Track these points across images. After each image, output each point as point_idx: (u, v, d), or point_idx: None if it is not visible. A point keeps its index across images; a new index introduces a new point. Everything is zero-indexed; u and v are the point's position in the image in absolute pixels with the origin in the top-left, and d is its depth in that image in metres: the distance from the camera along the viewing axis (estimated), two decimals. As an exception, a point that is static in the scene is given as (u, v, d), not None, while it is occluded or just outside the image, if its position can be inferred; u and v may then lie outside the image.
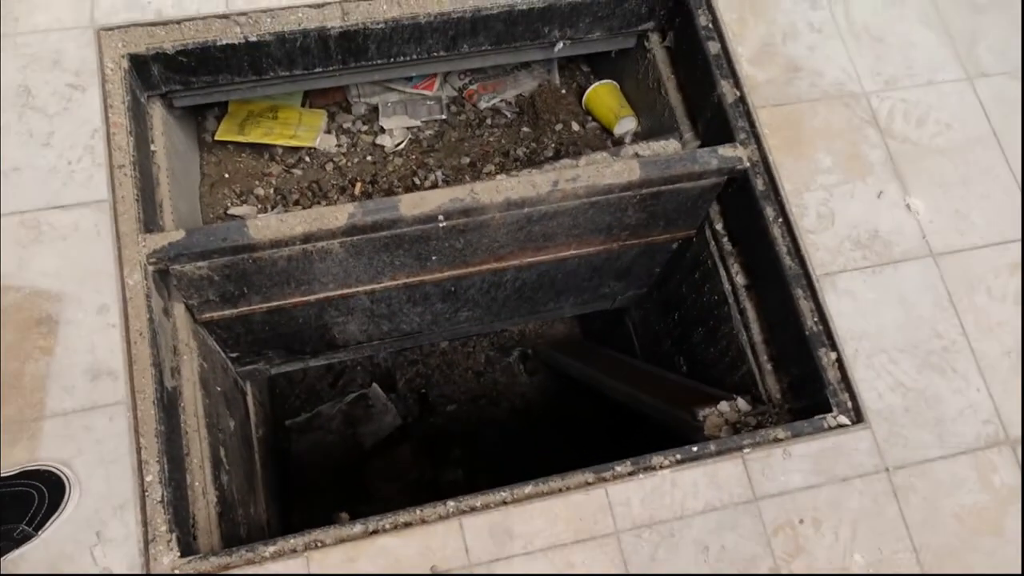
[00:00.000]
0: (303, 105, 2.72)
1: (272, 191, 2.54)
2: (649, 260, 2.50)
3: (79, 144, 1.87)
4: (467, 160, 2.59)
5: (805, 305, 1.91)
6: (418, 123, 2.68)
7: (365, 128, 2.69)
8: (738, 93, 2.09)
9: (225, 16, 2.01)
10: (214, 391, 2.16)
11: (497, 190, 1.94)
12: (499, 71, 2.78)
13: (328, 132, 2.67)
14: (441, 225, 1.97)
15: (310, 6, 2.03)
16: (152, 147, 2.10)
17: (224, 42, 2.02)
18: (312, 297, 2.15)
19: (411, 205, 1.91)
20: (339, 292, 2.17)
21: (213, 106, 2.64)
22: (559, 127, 2.62)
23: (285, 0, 2.04)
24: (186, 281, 1.94)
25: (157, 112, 2.16)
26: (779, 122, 2.05)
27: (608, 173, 1.99)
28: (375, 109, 2.71)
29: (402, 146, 2.64)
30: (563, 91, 2.72)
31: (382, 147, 2.65)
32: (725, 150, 2.04)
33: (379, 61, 2.20)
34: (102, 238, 1.80)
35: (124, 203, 1.85)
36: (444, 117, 2.71)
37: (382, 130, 2.67)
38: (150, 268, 1.83)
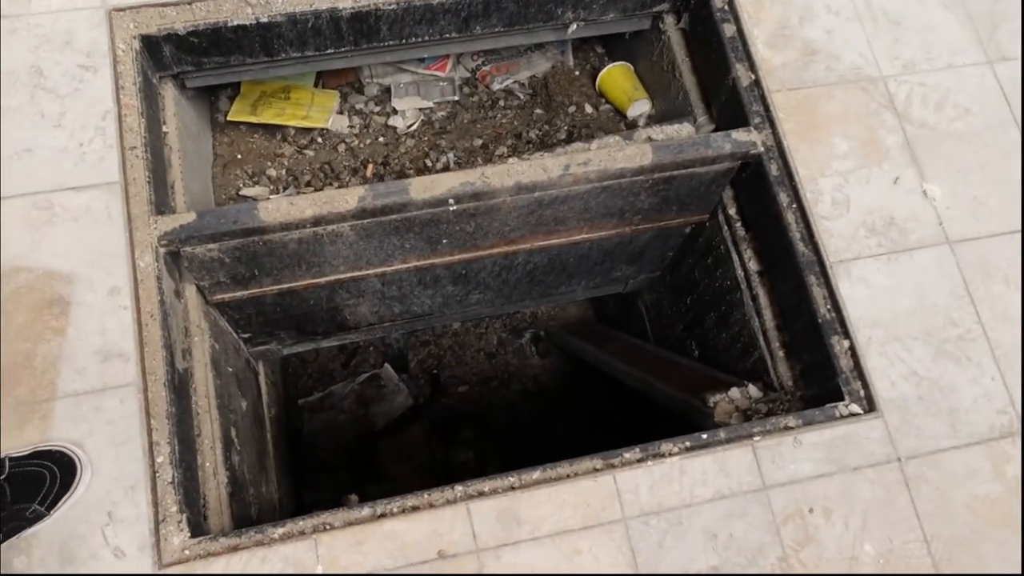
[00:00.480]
0: (316, 86, 2.71)
1: (284, 172, 2.53)
2: (662, 244, 2.49)
3: (90, 125, 1.87)
4: (479, 142, 2.58)
5: (818, 292, 1.89)
6: (430, 104, 2.67)
7: (378, 109, 2.68)
8: (753, 76, 2.06)
9: (237, -4, 2.00)
10: (225, 372, 2.16)
11: (508, 174, 1.93)
12: (512, 52, 2.75)
13: (340, 113, 2.66)
14: (452, 209, 1.96)
15: (321, -14, 2.02)
16: (164, 128, 2.10)
17: (236, 23, 2.00)
18: (323, 279, 2.15)
19: (421, 188, 1.90)
20: (350, 275, 2.17)
21: (226, 87, 2.63)
22: (572, 109, 2.60)
23: (296, -20, 2.03)
24: (197, 263, 1.94)
25: (169, 93, 2.15)
26: (794, 106, 2.02)
27: (620, 157, 1.97)
28: (388, 90, 2.69)
29: (414, 127, 2.63)
30: (577, 73, 2.70)
31: (394, 128, 2.63)
32: (739, 134, 2.01)
33: (391, 43, 2.18)
34: (113, 220, 1.81)
35: (136, 185, 1.85)
36: (457, 98, 2.69)
37: (394, 111, 2.66)
38: (161, 250, 1.83)
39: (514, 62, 2.74)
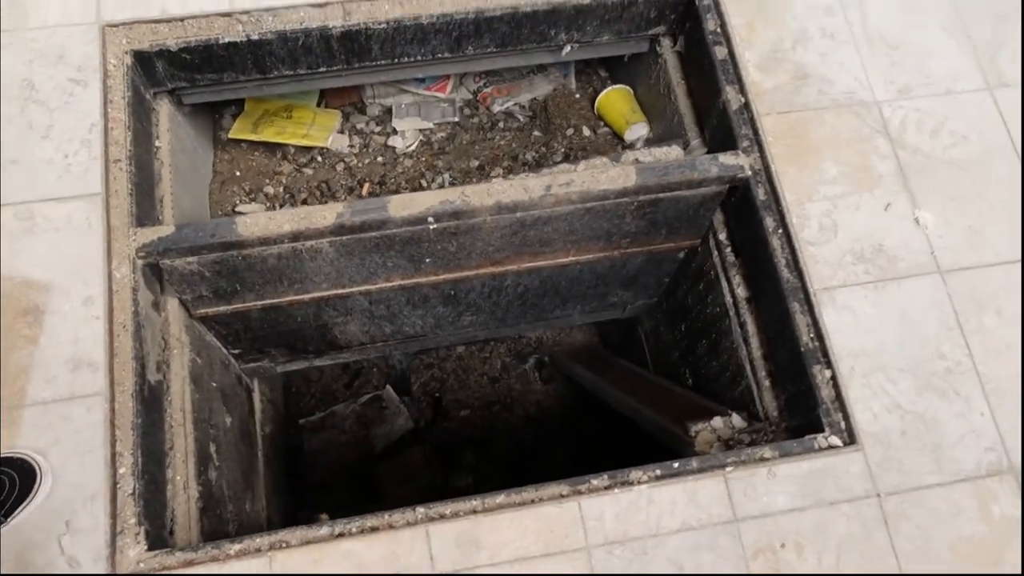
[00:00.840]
0: (319, 105, 2.73)
1: (282, 189, 2.55)
2: (656, 269, 2.45)
3: (76, 138, 1.90)
4: (476, 163, 2.57)
5: (801, 320, 1.84)
6: (430, 125, 2.67)
7: (378, 129, 2.69)
8: (743, 99, 2.03)
9: (228, 14, 2.02)
10: (208, 386, 2.16)
11: (488, 193, 1.92)
12: (515, 75, 2.75)
13: (341, 132, 2.67)
14: (431, 227, 1.95)
15: (312, 5, 2.03)
16: (156, 143, 2.12)
17: (227, 40, 2.03)
18: (306, 296, 2.15)
19: (400, 206, 1.89)
20: (333, 292, 2.16)
21: (230, 105, 2.67)
22: (570, 132, 2.58)
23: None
24: (177, 276, 1.95)
25: (164, 109, 2.18)
26: (783, 130, 1.98)
27: (603, 179, 1.95)
28: (389, 111, 2.71)
29: (413, 148, 2.63)
30: (577, 96, 2.69)
31: (393, 148, 2.64)
32: (726, 158, 1.98)
33: (383, 62, 2.19)
34: (93, 231, 1.82)
35: (117, 197, 1.86)
36: (456, 120, 2.69)
37: (394, 131, 2.67)
38: (139, 262, 1.84)
39: (516, 84, 2.74)
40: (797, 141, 1.98)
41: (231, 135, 2.58)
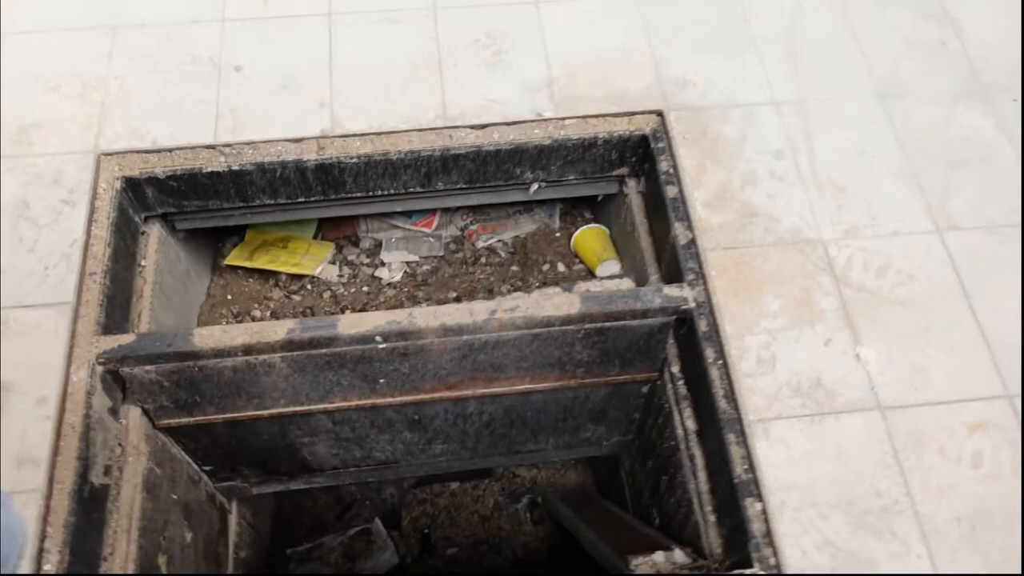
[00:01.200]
0: (315, 238, 2.89)
1: (269, 314, 2.67)
2: (623, 403, 2.45)
3: (58, 252, 2.05)
4: (454, 295, 2.66)
5: (736, 451, 1.82)
6: (416, 258, 2.79)
7: (368, 261, 2.83)
8: (690, 235, 2.09)
9: (212, 147, 2.20)
10: (167, 498, 2.21)
11: (435, 315, 1.99)
12: (501, 214, 2.88)
13: (332, 263, 2.81)
14: (380, 347, 2.02)
15: (289, 140, 2.20)
16: (142, 262, 2.27)
17: (209, 169, 2.20)
18: (266, 412, 2.21)
19: (349, 324, 1.97)
20: (292, 409, 2.22)
21: (232, 235, 2.85)
22: (546, 267, 2.67)
23: (268, 134, 2.22)
24: (137, 384, 2.04)
25: (155, 232, 2.34)
26: (727, 264, 2.03)
27: (548, 305, 2.00)
28: (380, 244, 2.85)
29: (397, 279, 2.75)
30: (558, 234, 2.79)
31: (379, 279, 2.76)
32: (671, 289, 2.02)
33: (358, 194, 2.33)
34: (59, 336, 1.94)
35: (87, 306, 1.99)
36: (442, 254, 2.81)
37: (382, 263, 2.79)
38: (99, 368, 1.94)
39: (501, 223, 2.86)
40: (741, 275, 2.02)
41: (227, 262, 2.74)
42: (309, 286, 2.75)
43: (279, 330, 1.96)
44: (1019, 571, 1.64)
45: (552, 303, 2.01)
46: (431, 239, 2.83)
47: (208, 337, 1.96)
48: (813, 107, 2.27)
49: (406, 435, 2.48)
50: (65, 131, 2.23)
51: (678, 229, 2.10)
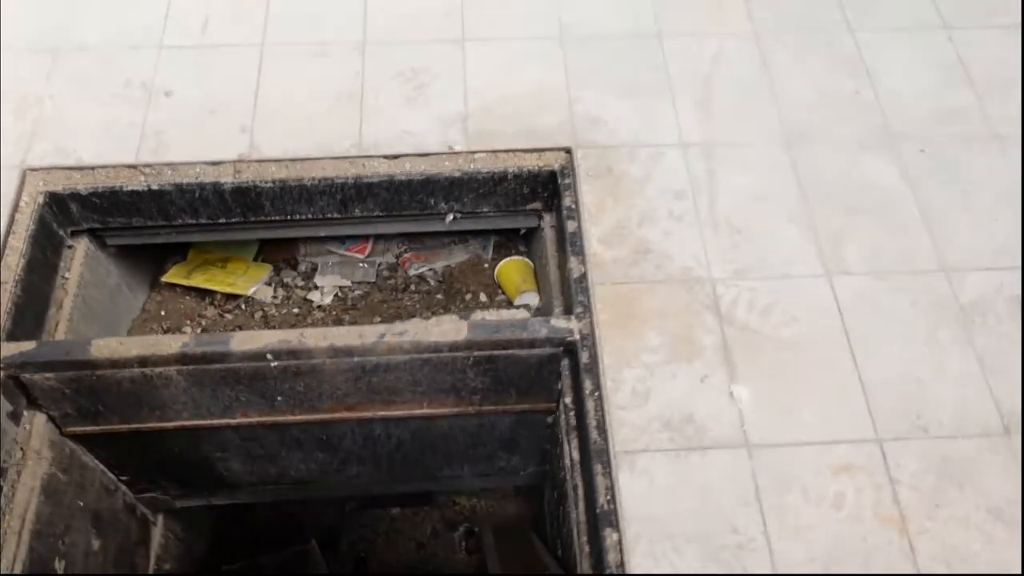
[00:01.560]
0: (256, 259, 2.97)
1: (200, 331, 2.74)
2: (532, 432, 2.48)
3: (-28, 262, 2.14)
4: (378, 320, 2.72)
5: (602, 481, 1.85)
6: (348, 283, 2.86)
7: (303, 284, 2.90)
8: (583, 269, 2.13)
9: (133, 166, 2.28)
10: (72, 504, 2.27)
11: (324, 336, 2.05)
12: (437, 243, 2.95)
13: (268, 284, 2.88)
14: (272, 364, 2.07)
15: (207, 163, 2.28)
16: (65, 275, 2.35)
17: (130, 188, 2.28)
18: (169, 424, 2.27)
19: (241, 341, 2.04)
20: (195, 422, 2.28)
21: (176, 254, 2.93)
22: (468, 297, 2.72)
23: (189, 156, 2.30)
24: (39, 391, 2.11)
25: (82, 246, 2.43)
26: (613, 298, 2.07)
27: (436, 331, 2.05)
28: (316, 268, 2.92)
29: (328, 302, 2.81)
30: (486, 265, 2.84)
31: (311, 302, 2.83)
32: (558, 321, 2.07)
33: (276, 218, 2.40)
34: (-37, 341, 2.02)
35: (-6, 314, 2.07)
36: (374, 280, 2.87)
37: (315, 286, 2.86)
38: (0, 374, 2.02)
39: (436, 252, 2.93)
40: (626, 310, 2.06)
41: (165, 279, 2.82)
42: (243, 306, 2.82)
43: (173, 344, 2.03)
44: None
45: (440, 329, 2.06)
46: (364, 265, 2.90)
47: (104, 347, 2.03)
48: (720, 151, 2.32)
49: (318, 455, 2.53)
50: (-6, 146, 2.33)
51: (573, 263, 2.15)
